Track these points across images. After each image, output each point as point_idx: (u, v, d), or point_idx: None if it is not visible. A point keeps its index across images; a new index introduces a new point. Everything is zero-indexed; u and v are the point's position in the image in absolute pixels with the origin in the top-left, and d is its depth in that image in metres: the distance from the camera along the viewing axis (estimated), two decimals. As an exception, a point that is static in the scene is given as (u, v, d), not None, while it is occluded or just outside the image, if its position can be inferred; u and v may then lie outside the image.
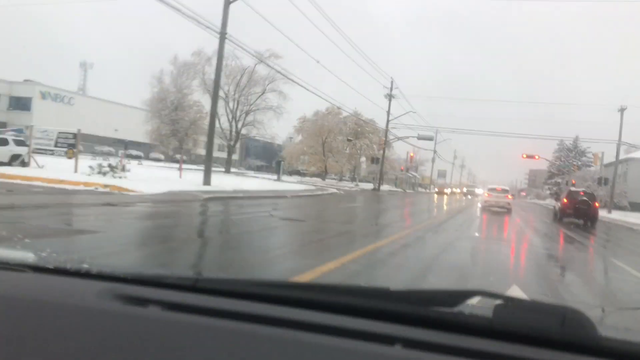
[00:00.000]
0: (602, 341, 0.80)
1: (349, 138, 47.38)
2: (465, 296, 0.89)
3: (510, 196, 26.70)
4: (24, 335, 0.83)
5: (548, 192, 68.87)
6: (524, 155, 46.30)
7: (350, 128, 59.05)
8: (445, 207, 26.69)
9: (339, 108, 54.41)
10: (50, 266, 1.14)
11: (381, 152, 58.67)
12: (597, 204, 20.60)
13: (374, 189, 40.92)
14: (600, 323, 0.87)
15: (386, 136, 40.96)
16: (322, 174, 56.15)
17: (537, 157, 47.26)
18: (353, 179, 55.82)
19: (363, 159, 62.42)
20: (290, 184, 28.52)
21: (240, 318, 0.87)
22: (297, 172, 56.66)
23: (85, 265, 1.14)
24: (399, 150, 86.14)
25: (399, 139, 41.42)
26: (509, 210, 24.16)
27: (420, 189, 72.07)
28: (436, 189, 60.73)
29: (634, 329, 1.27)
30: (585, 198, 20.19)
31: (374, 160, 39.69)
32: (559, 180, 59.87)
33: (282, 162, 34.06)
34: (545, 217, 24.55)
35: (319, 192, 24.06)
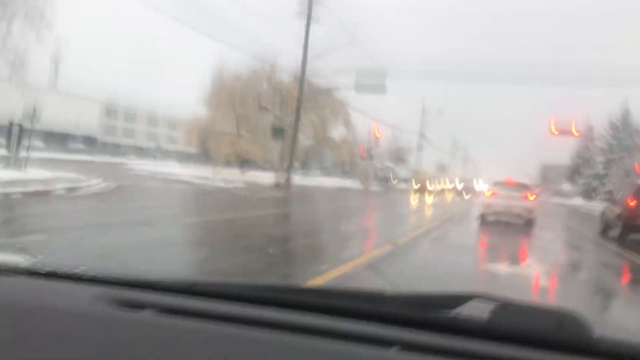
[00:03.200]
0: (599, 343, 0.80)
1: (264, 105, 28.39)
2: (462, 299, 0.89)
3: (531, 196, 13.94)
4: (17, 341, 0.81)
5: (582, 188, 49.51)
6: (555, 131, 27.28)
7: (290, 97, 40.46)
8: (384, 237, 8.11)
9: (273, 67, 36.10)
10: (44, 270, 1.12)
11: (328, 127, 40.29)
12: None
13: (276, 186, 22.13)
14: (598, 325, 0.86)
15: (301, 87, 22.22)
16: (246, 163, 37.75)
17: (575, 132, 28.20)
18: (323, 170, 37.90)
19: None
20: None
21: (236, 321, 0.86)
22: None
23: (79, 269, 1.12)
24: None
25: (322, 92, 22.35)
26: (529, 224, 12.83)
27: (402, 185, 53.27)
28: (415, 186, 41.32)
29: (632, 331, 1.20)
30: None
31: (276, 132, 20.92)
32: (606, 172, 40.68)
33: (22, 128, 15.05)
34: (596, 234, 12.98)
35: None
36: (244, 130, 35.86)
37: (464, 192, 38.93)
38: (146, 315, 0.89)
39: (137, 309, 0.91)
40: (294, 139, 22.73)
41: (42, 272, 1.11)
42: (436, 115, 52.20)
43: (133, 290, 1.02)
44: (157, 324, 0.87)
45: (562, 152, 53.99)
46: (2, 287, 1.03)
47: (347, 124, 42.50)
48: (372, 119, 34.88)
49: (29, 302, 0.95)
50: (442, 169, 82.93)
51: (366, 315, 0.88)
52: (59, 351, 0.79)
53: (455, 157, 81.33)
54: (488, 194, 14.05)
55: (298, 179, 39.05)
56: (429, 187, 38.58)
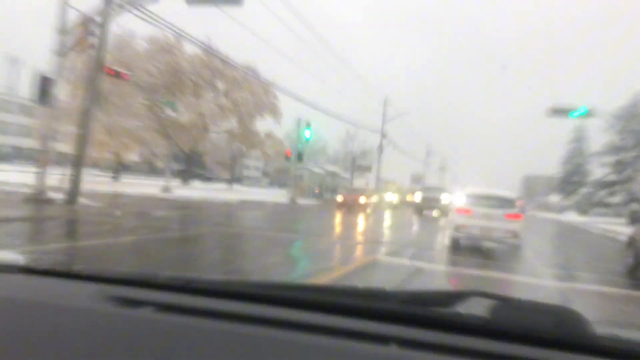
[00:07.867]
0: (598, 340, 0.81)
1: (111, 68, 17.95)
2: (461, 296, 0.90)
3: (517, 216, 10.14)
4: (16, 337, 0.82)
5: (580, 199, 40.25)
6: (550, 112, 17.75)
7: (200, 75, 30.49)
8: None
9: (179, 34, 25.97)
10: (42, 268, 1.13)
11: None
12: None
13: (34, 200, 11.76)
14: (596, 322, 0.87)
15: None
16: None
17: (574, 114, 18.61)
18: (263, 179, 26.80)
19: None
20: None
21: (233, 319, 0.86)
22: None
23: (77, 267, 1.14)
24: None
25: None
26: (514, 250, 10.04)
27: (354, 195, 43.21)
28: (340, 197, 28.50)
29: (628, 327, 1.16)
30: None
31: (42, 91, 10.94)
32: (616, 177, 31.16)
33: None
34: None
35: None
36: (115, 113, 25.37)
37: (426, 207, 28.45)
38: (144, 312, 0.89)
39: (135, 306, 0.91)
40: (86, 112, 12.66)
41: (40, 269, 1.11)
42: (402, 115, 42.30)
43: (130, 287, 1.02)
44: (154, 321, 0.87)
45: (546, 162, 45.41)
46: (1, 284, 1.02)
47: (274, 112, 32.42)
48: (310, 107, 25.02)
49: (28, 299, 0.94)
50: (416, 179, 73.28)
51: (365, 313, 0.87)
52: (58, 348, 0.78)
53: (429, 166, 71.62)
54: (458, 211, 10.57)
55: (188, 188, 28.36)
56: (361, 200, 27.32)
